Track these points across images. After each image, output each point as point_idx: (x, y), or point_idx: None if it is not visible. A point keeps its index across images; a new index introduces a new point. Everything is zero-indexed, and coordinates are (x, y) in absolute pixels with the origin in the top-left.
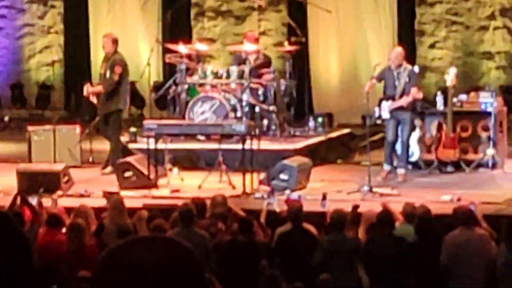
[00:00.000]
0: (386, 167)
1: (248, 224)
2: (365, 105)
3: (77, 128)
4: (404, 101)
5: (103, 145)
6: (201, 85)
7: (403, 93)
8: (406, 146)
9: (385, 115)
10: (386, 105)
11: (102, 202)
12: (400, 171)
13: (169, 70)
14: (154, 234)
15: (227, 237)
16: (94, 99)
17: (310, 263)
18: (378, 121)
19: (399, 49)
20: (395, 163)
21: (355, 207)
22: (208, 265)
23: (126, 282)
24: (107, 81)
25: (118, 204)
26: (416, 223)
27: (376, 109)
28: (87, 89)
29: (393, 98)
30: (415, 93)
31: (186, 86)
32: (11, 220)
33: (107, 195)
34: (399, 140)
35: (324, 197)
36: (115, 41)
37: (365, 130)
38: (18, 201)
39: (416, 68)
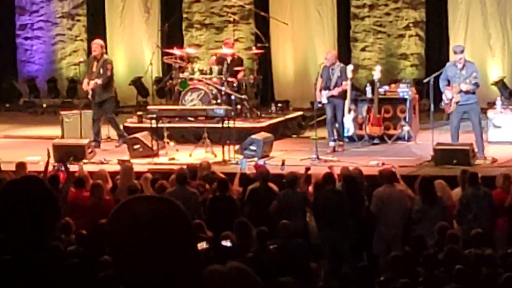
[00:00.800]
0: (331, 143)
1: (224, 183)
2: (313, 95)
3: None
4: (336, 91)
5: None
6: (190, 79)
7: (336, 84)
8: (342, 125)
9: (324, 100)
10: (324, 93)
11: (117, 168)
12: (340, 143)
13: (167, 68)
14: (153, 194)
15: (210, 194)
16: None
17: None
18: (319, 105)
19: (334, 52)
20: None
21: (307, 169)
22: (199, 215)
23: (131, 229)
24: (102, 76)
25: (127, 169)
26: (342, 182)
27: (317, 96)
28: (90, 84)
29: (329, 88)
30: (344, 85)
31: (179, 80)
32: (44, 183)
33: (121, 162)
34: (336, 121)
35: (283, 163)
36: (103, 47)
37: (313, 112)
38: (51, 166)
39: (351, 66)
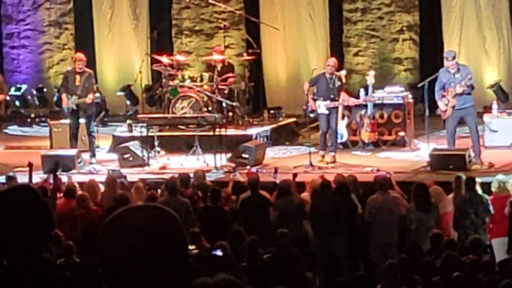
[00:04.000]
0: (321, 152)
1: (216, 193)
2: (305, 101)
3: None
4: (340, 102)
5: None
6: (181, 86)
7: (338, 95)
8: (335, 133)
9: (323, 110)
10: (323, 104)
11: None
12: (332, 153)
13: (156, 75)
14: (146, 203)
15: (201, 204)
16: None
17: (264, 221)
18: (312, 115)
19: (335, 60)
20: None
21: (294, 175)
22: (191, 224)
23: (124, 240)
24: (92, 90)
25: (111, 179)
26: (334, 189)
27: (309, 106)
28: (87, 99)
29: (330, 98)
30: (344, 97)
31: (169, 88)
32: (37, 192)
33: (110, 172)
34: (330, 129)
35: (275, 171)
36: (86, 61)
37: (306, 119)
38: (38, 178)
39: (344, 72)
